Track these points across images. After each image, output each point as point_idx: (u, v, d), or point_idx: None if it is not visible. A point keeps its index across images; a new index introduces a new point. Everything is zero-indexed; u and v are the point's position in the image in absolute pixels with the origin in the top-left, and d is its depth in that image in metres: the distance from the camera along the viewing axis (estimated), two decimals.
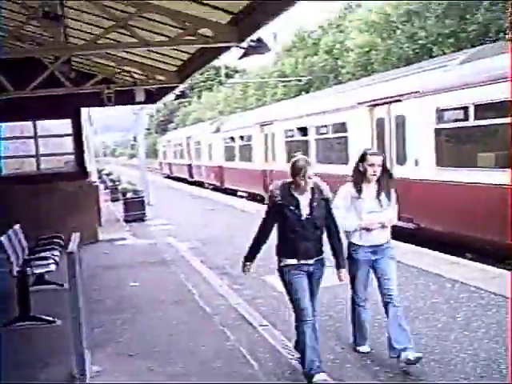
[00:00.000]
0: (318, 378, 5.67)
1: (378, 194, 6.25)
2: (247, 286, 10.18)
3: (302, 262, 5.83)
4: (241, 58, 9.26)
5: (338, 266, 6.04)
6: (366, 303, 6.53)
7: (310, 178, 5.74)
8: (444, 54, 27.02)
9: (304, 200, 5.81)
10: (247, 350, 6.76)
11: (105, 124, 72.49)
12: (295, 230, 5.77)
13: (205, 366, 6.29)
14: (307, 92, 39.71)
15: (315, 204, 5.82)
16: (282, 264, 5.92)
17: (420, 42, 31.70)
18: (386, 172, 6.34)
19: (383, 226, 6.24)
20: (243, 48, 8.86)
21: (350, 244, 6.36)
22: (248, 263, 6.11)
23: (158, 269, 11.76)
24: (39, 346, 7.23)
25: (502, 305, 7.85)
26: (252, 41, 8.49)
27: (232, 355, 6.60)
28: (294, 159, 5.86)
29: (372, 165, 6.18)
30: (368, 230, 6.20)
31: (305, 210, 5.79)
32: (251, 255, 6.09)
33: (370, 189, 6.27)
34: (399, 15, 33.38)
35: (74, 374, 5.66)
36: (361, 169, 6.28)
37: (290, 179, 5.85)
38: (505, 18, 28.40)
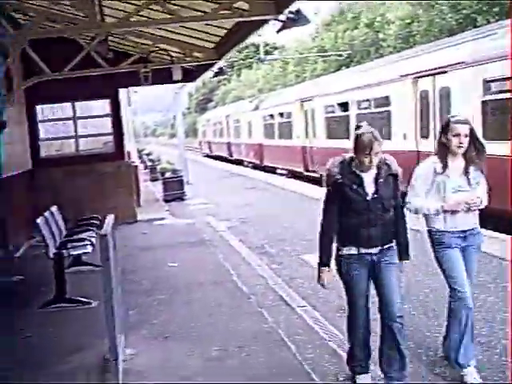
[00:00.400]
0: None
1: (466, 170, 5.27)
2: (286, 265, 10.09)
3: (363, 251, 4.96)
4: (279, 31, 8.94)
5: (401, 258, 5.09)
6: (469, 300, 5.28)
7: (376, 154, 4.84)
8: (489, 23, 26.27)
9: (368, 177, 4.92)
10: (285, 332, 6.55)
11: (145, 104, 72.92)
12: (359, 212, 4.88)
13: (242, 349, 6.10)
14: (347, 67, 39.08)
15: (381, 181, 4.91)
16: (339, 253, 5.07)
17: (464, 11, 30.85)
18: (474, 143, 5.28)
19: (469, 209, 5.23)
20: (281, 21, 8.56)
21: (432, 231, 5.40)
22: (325, 269, 5.05)
23: (196, 249, 11.63)
24: (73, 328, 7.14)
25: None
26: (291, 12, 8.19)
27: (270, 338, 6.39)
28: (357, 132, 4.95)
29: (457, 135, 5.19)
30: (453, 212, 5.24)
31: (370, 189, 4.90)
32: (325, 257, 5.05)
33: (455, 164, 5.29)
34: None
35: (106, 357, 5.54)
36: (444, 140, 5.30)
37: (350, 154, 5.01)
38: None
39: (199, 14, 9.54)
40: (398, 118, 16.08)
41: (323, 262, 5.04)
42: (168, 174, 20.32)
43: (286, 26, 8.70)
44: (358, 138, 4.88)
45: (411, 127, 15.17)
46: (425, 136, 14.67)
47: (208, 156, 49.81)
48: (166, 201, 19.46)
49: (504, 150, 11.46)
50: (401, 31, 36.07)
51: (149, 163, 30.25)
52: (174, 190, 19.96)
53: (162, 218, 15.77)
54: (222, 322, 7.05)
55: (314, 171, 23.14)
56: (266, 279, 9.12)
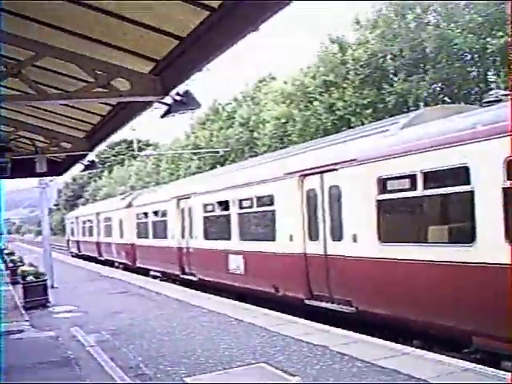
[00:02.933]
0: None
1: None
2: None
3: None
4: (164, 115, 7.68)
5: None
6: None
7: None
8: (362, 124, 26.75)
9: None
10: None
11: (11, 199, 69.53)
12: None
13: None
14: (222, 165, 38.76)
15: None
16: None
17: (338, 112, 31.41)
18: None
19: None
20: (167, 104, 7.34)
21: None
22: None
23: (56, 372, 9.71)
24: None
25: None
26: (178, 94, 6.99)
27: None
28: None
29: None
30: None
31: None
32: None
33: None
34: (316, 86, 33.08)
35: None
36: None
37: None
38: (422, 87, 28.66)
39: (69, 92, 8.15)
40: (283, 219, 15.13)
41: None
42: (30, 278, 18.13)
43: (171, 110, 7.47)
44: None
45: (299, 228, 14.22)
46: (313, 238, 13.76)
47: (77, 256, 47.09)
48: (27, 308, 17.20)
49: (402, 254, 10.68)
50: (276, 130, 36.26)
51: (10, 264, 27.59)
52: (36, 295, 17.77)
53: (21, 331, 13.62)
54: None
55: (191, 274, 21.67)
56: None
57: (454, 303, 9.65)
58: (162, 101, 7.25)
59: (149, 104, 7.64)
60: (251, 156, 36.33)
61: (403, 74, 30.71)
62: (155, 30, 6.48)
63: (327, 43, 34.06)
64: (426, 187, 10.26)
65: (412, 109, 28.56)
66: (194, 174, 39.36)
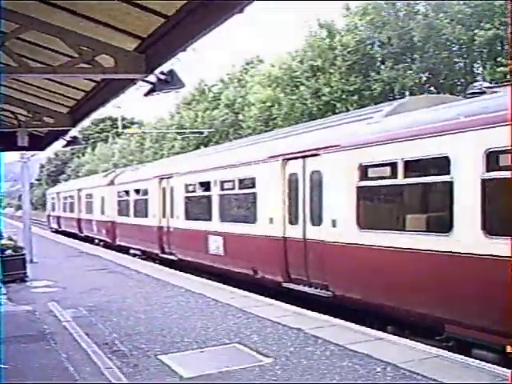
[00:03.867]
0: None
1: None
2: (141, 368, 8.47)
3: None
4: (147, 94, 7.66)
5: None
6: None
7: None
8: (348, 110, 26.81)
9: None
10: None
11: None
12: None
13: None
14: (206, 146, 38.65)
15: None
16: None
17: (324, 98, 31.42)
18: None
19: None
20: (151, 82, 7.31)
21: None
22: None
23: (33, 346, 9.73)
24: None
25: None
26: (162, 73, 6.98)
27: None
28: None
29: None
30: None
31: None
32: None
33: None
34: (303, 70, 33.04)
35: None
36: None
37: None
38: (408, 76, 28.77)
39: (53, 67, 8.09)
40: (265, 202, 15.17)
41: None
42: (8, 252, 18.06)
43: (155, 88, 7.44)
44: None
45: (279, 212, 14.26)
46: (293, 222, 13.83)
47: (57, 232, 46.84)
48: (5, 282, 17.14)
49: (380, 240, 10.77)
50: (261, 113, 36.21)
51: None
52: (15, 269, 17.70)
53: None
54: None
55: (171, 253, 21.70)
56: None
57: (429, 291, 9.76)
58: (146, 79, 7.23)
59: (133, 82, 7.61)
60: (236, 138, 36.28)
61: (390, 62, 30.78)
62: (142, 7, 6.45)
63: (316, 28, 33.98)
64: (406, 176, 10.33)
65: (398, 97, 28.70)
66: (177, 153, 39.18)
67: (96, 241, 33.89)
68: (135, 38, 6.77)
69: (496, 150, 8.66)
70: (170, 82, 7.13)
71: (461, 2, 28.94)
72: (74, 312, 12.69)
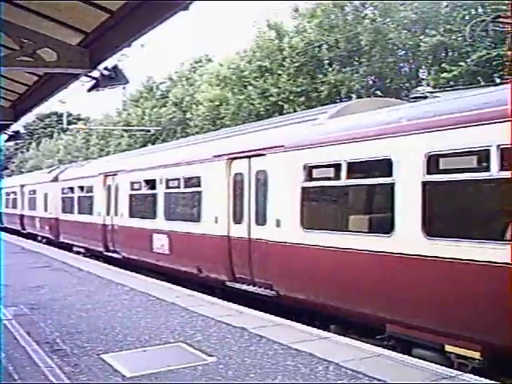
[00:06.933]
0: None
1: None
2: (83, 368, 8.32)
3: None
4: (91, 89, 7.56)
5: None
6: None
7: None
8: (295, 111, 27.01)
9: None
10: None
11: None
12: None
13: None
14: (153, 144, 38.38)
15: None
16: None
17: (271, 98, 31.58)
18: None
19: None
20: (94, 78, 7.22)
21: None
22: None
23: None
24: None
25: None
26: (106, 69, 6.90)
27: None
28: None
29: None
30: None
31: None
32: None
33: None
34: (252, 71, 33.13)
35: None
36: None
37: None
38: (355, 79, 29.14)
39: None
40: (210, 201, 15.16)
41: None
42: None
43: (99, 84, 7.36)
44: None
45: (224, 211, 14.27)
46: (237, 221, 13.85)
47: None
48: None
49: (324, 241, 10.88)
50: (209, 112, 36.16)
51: None
52: None
53: None
54: None
55: (115, 251, 21.47)
56: None
57: (371, 291, 9.90)
58: (90, 74, 7.14)
59: (76, 77, 7.50)
60: (183, 136, 36.16)
61: (338, 65, 31.16)
62: (86, 1, 6.38)
63: (265, 29, 34.11)
64: (349, 177, 10.46)
65: (344, 99, 29.03)
66: (124, 151, 38.81)
67: (39, 238, 33.31)
68: (79, 33, 6.69)
69: (436, 153, 8.84)
70: (114, 78, 7.05)
71: (408, 8, 29.49)
72: (15, 310, 12.40)
